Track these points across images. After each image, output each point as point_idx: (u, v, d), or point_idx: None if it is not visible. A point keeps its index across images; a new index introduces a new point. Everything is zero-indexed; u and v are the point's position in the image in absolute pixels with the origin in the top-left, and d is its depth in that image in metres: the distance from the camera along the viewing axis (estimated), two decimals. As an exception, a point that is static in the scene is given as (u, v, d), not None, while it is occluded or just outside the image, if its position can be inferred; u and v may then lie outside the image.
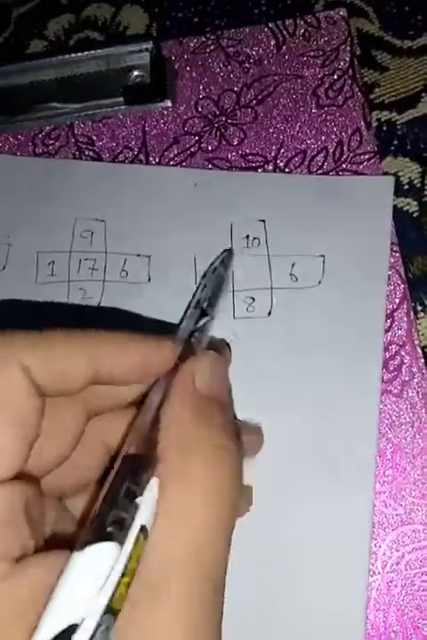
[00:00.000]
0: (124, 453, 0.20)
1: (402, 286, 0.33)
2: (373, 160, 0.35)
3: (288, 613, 0.28)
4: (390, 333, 0.32)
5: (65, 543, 0.19)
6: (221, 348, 0.30)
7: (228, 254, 0.33)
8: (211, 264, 0.33)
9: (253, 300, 0.33)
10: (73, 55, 0.38)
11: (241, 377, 0.29)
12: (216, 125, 0.37)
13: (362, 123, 0.36)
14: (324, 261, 0.33)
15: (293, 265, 0.33)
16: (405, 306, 0.32)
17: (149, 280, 0.34)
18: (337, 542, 0.29)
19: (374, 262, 0.33)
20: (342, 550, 0.29)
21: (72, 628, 0.15)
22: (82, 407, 0.22)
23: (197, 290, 0.32)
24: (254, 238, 0.34)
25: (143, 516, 0.18)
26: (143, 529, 0.17)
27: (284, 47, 0.38)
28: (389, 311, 0.32)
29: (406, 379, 0.31)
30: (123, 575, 0.16)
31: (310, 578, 0.29)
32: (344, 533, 0.29)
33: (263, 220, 0.34)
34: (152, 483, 0.19)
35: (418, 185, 0.35)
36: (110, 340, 0.22)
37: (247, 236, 0.34)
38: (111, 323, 0.33)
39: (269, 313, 0.33)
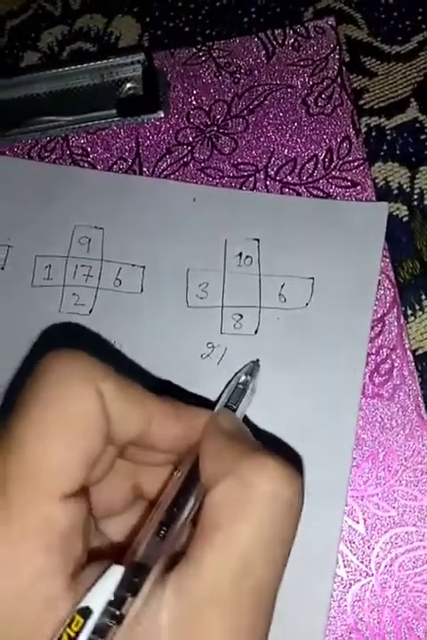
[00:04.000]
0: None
1: (392, 290, 0.33)
2: (362, 166, 0.35)
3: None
4: (380, 337, 0.33)
5: (96, 557, 0.19)
6: None
7: (254, 366, 0.32)
8: (236, 373, 0.32)
9: (241, 317, 0.33)
10: (66, 69, 0.38)
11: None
12: (208, 135, 0.37)
13: (351, 130, 0.36)
14: (313, 284, 0.33)
15: (282, 285, 0.34)
16: (395, 310, 0.33)
17: (142, 291, 0.34)
18: (304, 562, 0.28)
19: (362, 291, 0.33)
20: (308, 572, 0.29)
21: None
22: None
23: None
24: (247, 257, 0.34)
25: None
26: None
27: (274, 57, 0.38)
28: (379, 315, 0.33)
29: (398, 382, 0.32)
30: None
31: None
32: (312, 550, 0.29)
33: (257, 240, 0.34)
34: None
35: (407, 189, 0.36)
36: (163, 407, 0.22)
37: (240, 254, 0.34)
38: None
39: (256, 331, 0.33)
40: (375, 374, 0.32)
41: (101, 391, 0.20)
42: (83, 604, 0.17)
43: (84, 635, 0.16)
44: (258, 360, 0.32)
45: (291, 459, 0.20)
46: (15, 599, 0.17)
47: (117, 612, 0.17)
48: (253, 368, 0.31)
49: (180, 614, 0.18)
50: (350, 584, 0.30)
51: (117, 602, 0.17)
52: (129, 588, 0.17)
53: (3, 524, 0.18)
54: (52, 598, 0.17)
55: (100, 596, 0.17)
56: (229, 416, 0.26)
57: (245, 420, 0.30)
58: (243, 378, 0.30)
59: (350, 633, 0.29)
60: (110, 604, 0.17)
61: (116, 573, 0.17)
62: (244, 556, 0.18)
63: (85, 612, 0.16)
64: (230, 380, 0.31)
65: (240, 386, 0.29)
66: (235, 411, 0.27)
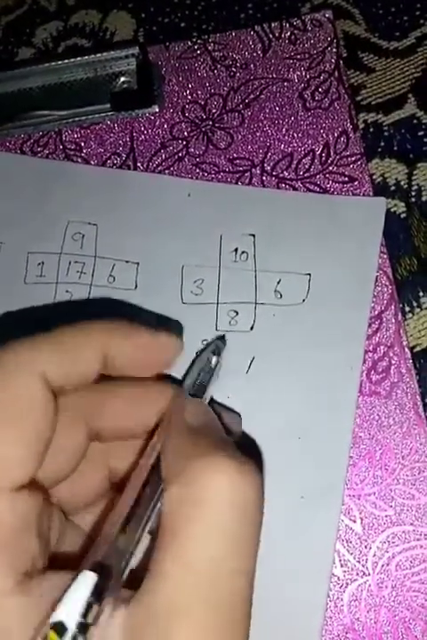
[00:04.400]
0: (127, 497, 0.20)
1: (390, 287, 0.33)
2: (359, 162, 0.35)
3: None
4: (378, 335, 0.32)
5: (69, 559, 0.19)
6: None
7: (220, 342, 0.31)
8: (201, 351, 0.31)
9: (237, 313, 0.33)
10: (59, 62, 0.38)
11: (218, 389, 0.29)
12: (203, 130, 0.37)
13: (349, 125, 0.36)
14: (310, 280, 0.33)
15: (278, 281, 0.33)
16: (393, 307, 0.32)
17: (136, 287, 0.34)
18: (300, 562, 0.29)
19: (360, 288, 0.33)
20: (304, 571, 0.29)
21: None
22: (84, 426, 0.22)
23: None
24: (243, 252, 0.34)
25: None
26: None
27: (270, 50, 0.38)
28: (377, 312, 0.32)
29: (395, 380, 0.31)
30: None
31: (271, 591, 0.28)
32: (308, 549, 0.29)
33: (253, 235, 0.34)
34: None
35: (405, 186, 0.36)
36: (116, 328, 0.22)
37: (236, 250, 0.34)
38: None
39: (252, 328, 0.33)
40: (373, 372, 0.32)
41: (43, 371, 0.19)
42: (55, 619, 0.16)
43: None
44: (224, 336, 0.32)
45: (252, 455, 0.19)
46: None
47: (88, 622, 0.16)
48: (218, 345, 0.30)
49: (145, 634, 0.16)
50: (347, 583, 0.29)
51: (86, 611, 0.16)
52: (96, 595, 0.16)
53: None
54: (1, 595, 0.16)
55: (72, 606, 0.16)
56: (195, 407, 0.24)
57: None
58: (210, 358, 0.29)
59: (346, 633, 0.29)
60: (82, 615, 0.16)
61: (87, 580, 0.16)
62: (205, 568, 0.17)
63: (60, 628, 0.15)
64: (195, 359, 0.30)
65: (205, 366, 0.28)
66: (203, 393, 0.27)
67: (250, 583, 0.18)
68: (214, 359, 0.29)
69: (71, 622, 0.16)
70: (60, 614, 0.16)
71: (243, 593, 0.18)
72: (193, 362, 0.30)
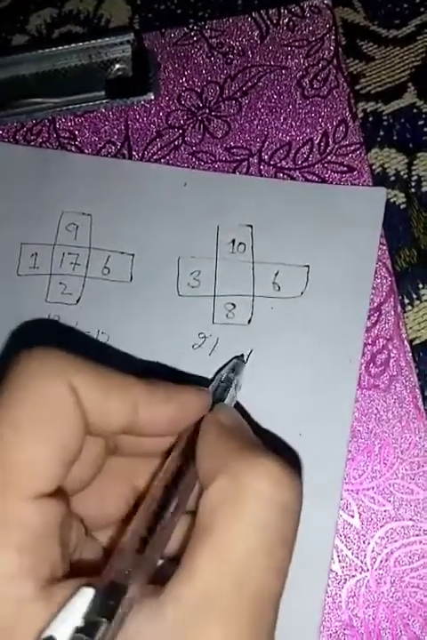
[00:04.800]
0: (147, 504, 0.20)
1: (389, 279, 0.32)
2: (358, 151, 0.34)
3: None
4: (377, 327, 0.32)
5: (89, 570, 0.18)
6: None
7: (238, 362, 0.31)
8: (219, 370, 0.31)
9: (234, 306, 0.32)
10: (53, 49, 0.37)
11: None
12: (200, 118, 0.36)
13: (348, 113, 0.35)
14: (308, 272, 0.32)
15: (276, 273, 0.33)
16: (392, 299, 0.32)
17: (131, 279, 0.33)
18: (298, 556, 0.28)
19: (359, 280, 0.32)
20: (302, 567, 0.28)
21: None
22: (102, 441, 0.22)
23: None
24: (240, 243, 0.33)
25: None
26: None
27: (268, 37, 0.37)
28: (376, 304, 0.32)
29: (394, 373, 0.31)
30: None
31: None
32: (306, 545, 0.28)
33: (251, 226, 0.33)
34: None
35: (405, 176, 0.35)
36: (147, 391, 0.21)
37: (233, 241, 0.33)
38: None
39: (249, 321, 0.32)
40: (371, 365, 0.31)
41: (75, 386, 0.19)
42: (47, 633, 0.15)
43: None
44: (242, 355, 0.31)
45: (290, 459, 0.19)
46: None
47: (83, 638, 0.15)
48: (236, 364, 0.30)
49: (172, 627, 0.17)
50: (345, 579, 0.29)
51: (88, 628, 0.15)
52: (102, 611, 0.16)
53: None
54: (23, 601, 0.16)
55: (66, 622, 0.16)
56: (227, 411, 0.25)
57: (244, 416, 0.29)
58: (226, 375, 0.29)
59: (344, 629, 0.29)
60: (80, 630, 0.15)
61: (85, 596, 0.16)
62: (239, 561, 0.17)
63: None
64: (213, 377, 0.30)
65: (223, 383, 0.28)
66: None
67: (282, 583, 0.18)
68: (233, 377, 0.29)
69: (63, 636, 0.15)
70: (51, 630, 0.16)
71: (274, 589, 0.18)
72: (212, 379, 0.30)
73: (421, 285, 0.33)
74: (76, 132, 0.37)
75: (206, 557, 0.17)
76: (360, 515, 0.30)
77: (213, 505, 0.18)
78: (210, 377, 0.31)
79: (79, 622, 0.16)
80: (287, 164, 0.35)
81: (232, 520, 0.18)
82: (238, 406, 0.29)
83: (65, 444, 0.18)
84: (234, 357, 0.31)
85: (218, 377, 0.29)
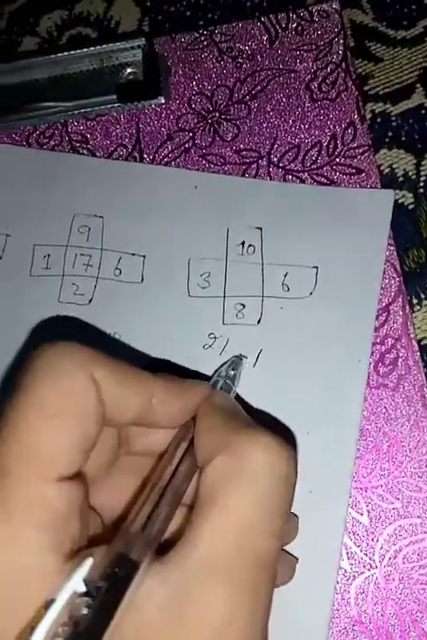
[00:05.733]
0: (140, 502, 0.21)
1: (397, 279, 0.33)
2: (367, 154, 0.35)
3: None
4: (385, 327, 0.32)
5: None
6: None
7: (236, 360, 0.31)
8: (217, 369, 0.32)
9: (244, 306, 0.33)
10: (65, 53, 0.37)
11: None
12: (210, 121, 0.36)
13: (356, 116, 0.35)
14: (317, 273, 0.33)
15: (286, 274, 0.33)
16: (400, 299, 0.32)
17: (142, 280, 0.34)
18: (308, 553, 0.28)
19: (367, 280, 0.32)
20: (312, 564, 0.29)
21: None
22: (116, 432, 0.23)
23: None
24: (250, 245, 0.34)
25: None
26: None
27: (277, 41, 0.37)
28: (384, 304, 0.32)
29: (403, 372, 0.31)
30: None
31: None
32: (315, 542, 0.29)
33: (260, 228, 0.34)
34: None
35: (413, 176, 0.35)
36: (162, 386, 0.23)
37: (243, 243, 0.34)
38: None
39: (259, 321, 0.33)
40: (380, 364, 0.32)
41: (96, 378, 0.20)
42: (51, 597, 0.17)
43: (44, 625, 0.16)
44: (241, 354, 0.32)
45: (284, 434, 0.20)
46: (9, 573, 0.17)
47: (91, 601, 0.16)
48: (235, 361, 0.31)
49: (177, 588, 0.18)
50: (354, 576, 0.30)
51: (89, 590, 0.17)
52: (104, 576, 0.17)
53: None
54: (46, 574, 0.18)
55: (68, 587, 0.17)
56: (222, 395, 0.27)
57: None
58: (225, 371, 0.30)
59: (353, 626, 0.29)
60: (83, 594, 0.17)
61: (87, 564, 0.17)
62: (241, 527, 0.19)
63: (49, 604, 0.17)
64: (213, 375, 0.31)
65: (221, 378, 0.29)
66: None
67: (278, 546, 0.20)
68: (232, 372, 0.30)
69: (61, 598, 0.16)
70: (53, 594, 0.17)
71: (272, 552, 0.19)
72: (212, 376, 0.31)
73: (429, 286, 0.33)
74: (88, 136, 0.37)
75: (209, 525, 0.19)
76: (369, 512, 0.30)
77: (215, 479, 0.19)
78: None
79: (80, 586, 0.17)
80: (296, 166, 0.35)
81: (234, 490, 0.19)
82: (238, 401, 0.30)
83: (86, 432, 0.20)
84: (234, 356, 0.32)
85: (217, 372, 0.30)
